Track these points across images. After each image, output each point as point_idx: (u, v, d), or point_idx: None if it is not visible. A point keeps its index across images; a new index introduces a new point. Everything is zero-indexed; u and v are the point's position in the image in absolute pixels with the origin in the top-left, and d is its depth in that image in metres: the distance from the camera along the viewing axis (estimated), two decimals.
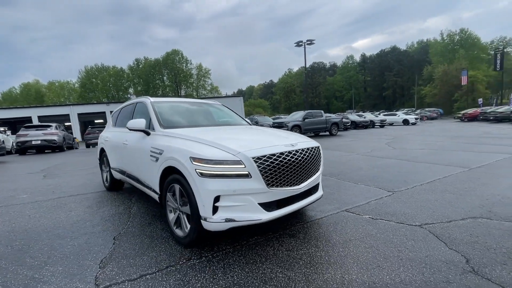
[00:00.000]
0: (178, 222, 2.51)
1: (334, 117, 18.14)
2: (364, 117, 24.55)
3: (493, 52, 46.53)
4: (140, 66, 66.93)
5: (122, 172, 3.83)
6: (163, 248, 2.42)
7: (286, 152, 2.33)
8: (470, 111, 27.02)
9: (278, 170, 2.24)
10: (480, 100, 34.17)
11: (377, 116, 27.47)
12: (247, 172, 2.09)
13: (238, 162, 2.10)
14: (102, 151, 4.60)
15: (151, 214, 3.35)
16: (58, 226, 3.05)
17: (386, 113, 32.74)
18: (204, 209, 2.08)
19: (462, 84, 39.48)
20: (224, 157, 2.12)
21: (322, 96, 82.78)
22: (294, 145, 2.48)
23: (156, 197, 2.83)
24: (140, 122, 3.03)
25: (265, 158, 2.19)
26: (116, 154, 4.00)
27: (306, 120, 15.65)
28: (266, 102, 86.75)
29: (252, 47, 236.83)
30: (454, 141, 9.80)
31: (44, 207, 3.81)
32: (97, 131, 17.46)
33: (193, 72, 67.30)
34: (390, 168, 5.61)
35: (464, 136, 11.70)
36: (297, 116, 16.27)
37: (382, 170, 5.43)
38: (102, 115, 36.69)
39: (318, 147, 2.77)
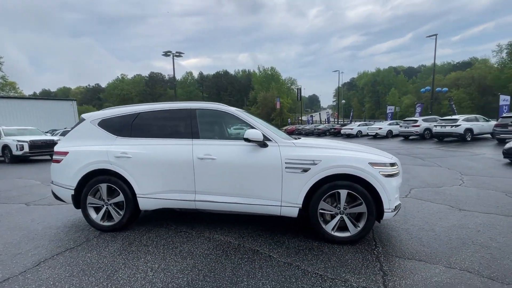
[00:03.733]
0: (336, 226, 2.79)
1: None
2: None
3: (286, 87, 68.10)
4: None
5: (183, 195, 3.03)
6: (350, 253, 2.65)
7: None
8: (289, 127, 37.81)
9: None
10: (289, 120, 48.41)
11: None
12: (398, 171, 2.94)
13: (394, 164, 2.90)
14: (99, 173, 3.12)
15: (263, 235, 3.12)
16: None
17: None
18: (390, 202, 2.70)
19: (277, 107, 53.93)
20: (388, 161, 2.85)
21: None
22: None
23: (292, 211, 2.84)
24: (258, 133, 2.85)
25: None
26: (168, 175, 3.04)
27: None
28: (94, 108, 72.40)
29: (56, 40, 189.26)
30: None
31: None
32: None
33: None
34: None
35: None
36: None
37: None
38: None
39: None
